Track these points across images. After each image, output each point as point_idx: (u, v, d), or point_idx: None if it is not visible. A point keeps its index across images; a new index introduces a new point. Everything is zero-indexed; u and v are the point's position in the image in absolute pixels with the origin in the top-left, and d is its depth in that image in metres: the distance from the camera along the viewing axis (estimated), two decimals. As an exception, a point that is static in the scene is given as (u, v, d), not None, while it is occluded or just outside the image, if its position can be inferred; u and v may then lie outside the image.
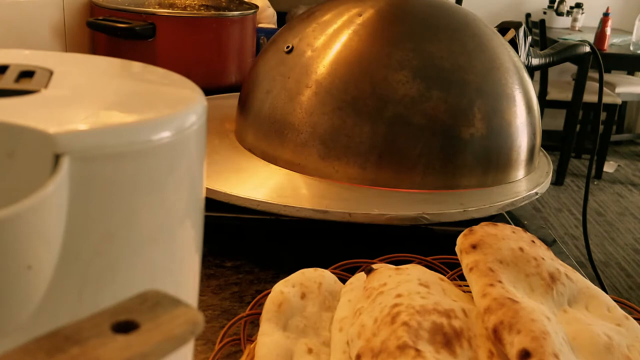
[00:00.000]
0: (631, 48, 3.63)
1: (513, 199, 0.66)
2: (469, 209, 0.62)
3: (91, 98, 0.29)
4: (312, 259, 0.53)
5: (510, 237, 0.47)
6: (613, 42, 3.70)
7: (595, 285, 0.48)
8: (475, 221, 0.53)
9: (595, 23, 3.70)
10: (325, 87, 0.67)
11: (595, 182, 3.59)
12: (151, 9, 1.10)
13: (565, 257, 0.65)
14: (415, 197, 0.64)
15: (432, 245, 0.59)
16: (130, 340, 0.18)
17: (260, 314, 0.46)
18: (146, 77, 0.34)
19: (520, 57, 0.78)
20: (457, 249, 0.47)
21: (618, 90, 3.61)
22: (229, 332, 0.45)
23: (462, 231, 0.48)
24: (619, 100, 3.55)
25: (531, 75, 0.77)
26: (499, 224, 0.49)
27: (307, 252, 0.64)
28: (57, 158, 0.23)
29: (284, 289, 0.46)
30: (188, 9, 1.21)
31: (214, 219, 0.54)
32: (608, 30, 3.54)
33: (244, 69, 1.10)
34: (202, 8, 1.21)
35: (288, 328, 0.45)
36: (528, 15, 4.05)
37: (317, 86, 0.67)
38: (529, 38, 0.81)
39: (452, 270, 0.53)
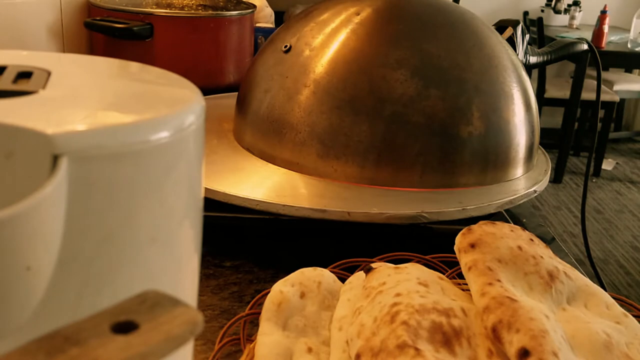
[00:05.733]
0: (629, 45, 3.63)
1: (512, 197, 0.66)
2: (468, 208, 0.62)
3: (89, 98, 0.29)
4: (311, 258, 0.53)
5: (509, 235, 0.47)
6: (611, 39, 3.70)
7: (594, 282, 0.48)
8: (474, 219, 0.53)
9: (592, 21, 3.70)
10: (323, 86, 0.67)
11: (594, 180, 3.59)
12: (149, 9, 1.10)
13: (564, 255, 0.65)
14: (414, 195, 0.64)
15: (431, 243, 0.59)
16: (130, 341, 0.18)
17: (259, 313, 0.46)
18: (144, 77, 0.34)
19: (518, 55, 0.78)
20: (455, 248, 0.47)
21: (616, 87, 3.61)
22: (229, 331, 0.45)
23: (460, 229, 0.48)
24: (617, 98, 3.56)
25: (529, 73, 0.77)
26: (497, 222, 0.49)
27: (306, 252, 0.64)
28: (55, 159, 0.23)
29: (284, 288, 0.46)
30: (185, 9, 1.21)
31: (213, 219, 0.54)
32: (606, 28, 3.54)
33: (242, 68, 1.10)
34: (199, 8, 1.21)
35: (287, 327, 0.45)
36: (526, 14, 4.05)
37: (316, 85, 0.67)
38: (527, 36, 0.81)
39: (451, 268, 0.53)
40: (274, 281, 0.48)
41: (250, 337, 0.46)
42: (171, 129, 0.26)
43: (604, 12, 3.52)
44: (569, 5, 4.03)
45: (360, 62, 0.67)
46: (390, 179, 0.65)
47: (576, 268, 0.51)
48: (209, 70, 1.07)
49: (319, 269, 0.50)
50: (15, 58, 0.32)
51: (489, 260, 0.44)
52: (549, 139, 3.49)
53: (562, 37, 3.23)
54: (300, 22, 0.75)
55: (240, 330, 0.46)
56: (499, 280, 0.42)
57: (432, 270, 0.47)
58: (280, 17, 1.64)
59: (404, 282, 0.44)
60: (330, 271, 0.51)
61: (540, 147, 0.80)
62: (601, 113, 3.68)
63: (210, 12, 1.16)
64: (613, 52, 3.57)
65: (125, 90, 0.31)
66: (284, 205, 0.60)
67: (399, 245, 0.57)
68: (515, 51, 0.78)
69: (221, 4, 1.22)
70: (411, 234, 0.64)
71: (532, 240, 0.48)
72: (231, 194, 0.61)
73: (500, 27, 0.81)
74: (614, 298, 0.47)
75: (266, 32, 1.25)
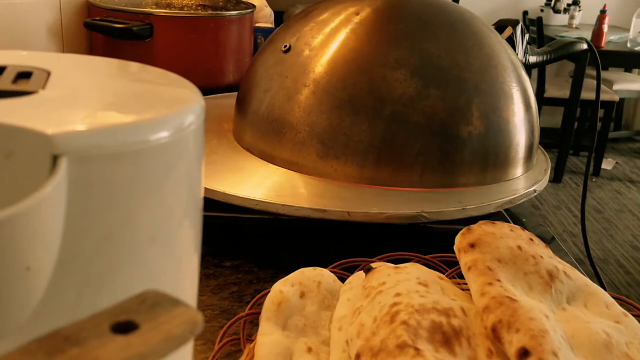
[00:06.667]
0: (628, 45, 3.63)
1: (512, 197, 0.66)
2: (468, 208, 0.62)
3: (89, 99, 0.29)
4: (311, 258, 0.53)
5: (509, 235, 0.47)
6: (610, 39, 3.70)
7: (594, 282, 0.48)
8: (474, 219, 0.53)
9: (592, 20, 3.70)
10: (323, 86, 0.67)
11: (594, 180, 3.59)
12: (148, 9, 1.10)
13: (564, 255, 0.65)
14: (414, 195, 0.64)
15: (431, 243, 0.59)
16: (130, 341, 0.18)
17: (259, 313, 0.46)
18: (144, 78, 0.34)
19: (518, 55, 0.78)
20: (455, 248, 0.47)
21: (616, 87, 3.61)
22: (229, 332, 0.45)
23: (460, 229, 0.48)
24: (616, 98, 3.56)
25: (529, 73, 0.77)
26: (497, 222, 0.49)
27: (306, 252, 0.64)
28: (55, 159, 0.23)
29: (284, 288, 0.46)
30: (185, 9, 1.21)
31: (212, 219, 0.54)
32: (605, 28, 3.54)
33: (241, 68, 1.10)
34: (199, 8, 1.21)
35: (288, 327, 0.45)
36: (525, 13, 4.05)
37: (315, 85, 0.67)
38: (527, 36, 0.81)
39: (451, 268, 0.53)
40: (274, 281, 0.48)
41: (250, 337, 0.46)
42: (171, 129, 0.26)
43: (603, 12, 3.52)
44: (569, 5, 4.03)
45: (360, 62, 0.67)
46: (390, 179, 0.65)
47: (576, 268, 0.51)
48: (209, 70, 1.07)
49: (319, 269, 0.50)
50: (15, 58, 0.32)
51: (489, 260, 0.44)
52: (549, 139, 3.49)
53: (561, 36, 3.23)
54: (300, 22, 0.75)
55: (240, 330, 0.46)
56: (499, 280, 0.42)
57: (432, 270, 0.47)
58: (280, 17, 1.63)
59: (404, 282, 0.44)
60: (330, 271, 0.51)
61: (540, 147, 0.80)
62: (601, 113, 3.68)
63: (210, 12, 1.16)
64: (613, 51, 3.57)
65: (125, 90, 0.31)
66: (284, 205, 0.60)
67: (399, 245, 0.57)
68: (515, 51, 0.78)
69: (221, 4, 1.22)
70: (411, 234, 0.64)
71: (532, 240, 0.48)
72: (231, 194, 0.61)
73: (500, 27, 0.81)
74: (614, 298, 0.47)
75: (266, 32, 1.25)
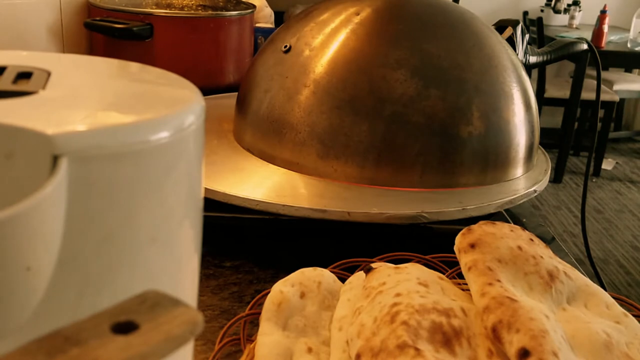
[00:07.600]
0: (628, 45, 3.63)
1: (512, 197, 0.66)
2: (468, 208, 0.62)
3: (89, 99, 0.29)
4: (311, 258, 0.53)
5: (509, 235, 0.47)
6: (610, 39, 3.70)
7: (594, 282, 0.48)
8: (474, 219, 0.53)
9: (592, 20, 3.70)
10: (323, 86, 0.67)
11: (594, 180, 3.59)
12: (148, 9, 1.10)
13: (564, 255, 0.65)
14: (414, 195, 0.64)
15: (431, 243, 0.59)
16: (130, 341, 0.18)
17: (259, 313, 0.46)
18: (144, 78, 0.34)
19: (518, 55, 0.78)
20: (455, 248, 0.47)
21: (616, 87, 3.61)
22: (229, 332, 0.45)
23: (460, 229, 0.48)
24: (616, 98, 3.56)
25: (529, 73, 0.77)
26: (497, 222, 0.49)
27: (306, 252, 0.64)
28: (55, 159, 0.23)
29: (284, 288, 0.46)
30: (185, 9, 1.21)
31: (212, 219, 0.54)
32: (605, 28, 3.54)
33: (241, 68, 1.10)
34: (199, 8, 1.21)
35: (288, 327, 0.45)
36: (525, 13, 4.05)
37: (315, 85, 0.67)
38: (527, 36, 0.81)
39: (451, 268, 0.53)
40: (274, 281, 0.48)
41: (250, 337, 0.46)
42: (171, 129, 0.26)
43: (603, 12, 3.52)
44: (569, 5, 4.03)
45: (360, 62, 0.67)
46: (390, 179, 0.65)
47: (576, 268, 0.51)
48: (209, 70, 1.07)
49: (319, 269, 0.50)
50: (15, 58, 0.32)
51: (489, 260, 0.44)
52: (549, 139, 3.49)
53: (561, 36, 3.23)
54: (300, 22, 0.75)
55: (240, 330, 0.46)
56: (499, 280, 0.42)
57: (432, 270, 0.47)
58: (280, 17, 1.63)
59: (404, 282, 0.44)
60: (330, 271, 0.51)
61: (540, 147, 0.80)
62: (601, 113, 3.68)
63: (210, 12, 1.17)
64: (613, 51, 3.57)
65: (125, 90, 0.31)
66: (284, 205, 0.60)
67: (399, 245, 0.57)
68: (515, 51, 0.78)
69: (221, 4, 1.22)
70: (411, 234, 0.64)
71: (532, 240, 0.48)
72: (231, 194, 0.61)
73: (500, 27, 0.81)
74: (614, 298, 0.47)
75: (266, 32, 1.25)
